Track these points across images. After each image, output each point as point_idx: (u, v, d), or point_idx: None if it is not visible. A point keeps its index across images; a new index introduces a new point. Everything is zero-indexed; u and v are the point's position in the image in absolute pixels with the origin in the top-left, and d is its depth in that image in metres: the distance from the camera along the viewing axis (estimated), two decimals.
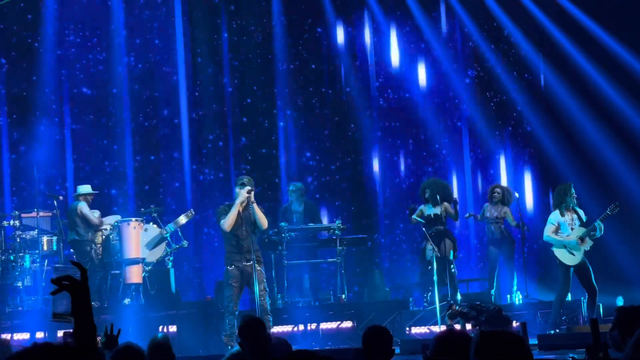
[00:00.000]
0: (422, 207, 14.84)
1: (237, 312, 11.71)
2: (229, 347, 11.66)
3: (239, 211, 11.57)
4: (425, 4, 18.27)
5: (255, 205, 11.56)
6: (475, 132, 18.51)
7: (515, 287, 14.99)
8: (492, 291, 14.84)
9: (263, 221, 11.66)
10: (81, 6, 16.65)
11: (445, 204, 14.78)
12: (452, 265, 14.54)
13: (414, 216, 14.71)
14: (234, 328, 11.67)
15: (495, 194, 15.16)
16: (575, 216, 13.22)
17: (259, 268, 11.57)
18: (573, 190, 13.26)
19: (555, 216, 13.29)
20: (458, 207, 15.19)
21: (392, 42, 18.36)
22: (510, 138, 18.55)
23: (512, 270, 15.11)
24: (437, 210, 14.68)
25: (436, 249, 14.25)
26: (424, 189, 14.92)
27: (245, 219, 11.58)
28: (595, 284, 13.08)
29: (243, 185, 11.62)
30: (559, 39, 17.71)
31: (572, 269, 13.17)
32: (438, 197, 14.61)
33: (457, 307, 11.24)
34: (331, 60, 18.17)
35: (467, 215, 15.96)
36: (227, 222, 11.54)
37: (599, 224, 13.03)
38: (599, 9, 17.16)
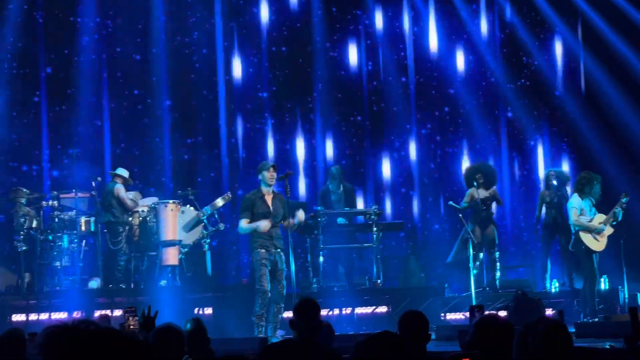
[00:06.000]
0: (471, 190, 14.68)
1: (269, 294, 11.70)
2: (258, 329, 11.64)
3: (267, 203, 11.67)
4: None
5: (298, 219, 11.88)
6: (513, 119, 18.37)
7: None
8: (547, 275, 14.74)
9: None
10: None
11: (494, 188, 14.74)
12: (493, 250, 14.46)
13: (463, 203, 14.52)
14: (265, 308, 11.67)
15: (553, 178, 15.00)
16: (592, 201, 13.20)
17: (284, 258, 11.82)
18: (598, 188, 13.13)
19: (576, 200, 13.21)
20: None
21: (430, 26, 18.25)
22: (548, 125, 18.38)
23: (566, 257, 14.92)
24: (487, 193, 14.60)
25: (473, 236, 14.05)
26: (475, 172, 14.72)
27: (275, 206, 11.66)
28: None
29: (263, 168, 11.75)
30: (600, 25, 17.53)
31: (595, 255, 13.10)
32: (490, 179, 14.57)
33: None
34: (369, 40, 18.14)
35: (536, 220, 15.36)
36: (242, 231, 11.88)
37: (618, 211, 13.02)
38: None
